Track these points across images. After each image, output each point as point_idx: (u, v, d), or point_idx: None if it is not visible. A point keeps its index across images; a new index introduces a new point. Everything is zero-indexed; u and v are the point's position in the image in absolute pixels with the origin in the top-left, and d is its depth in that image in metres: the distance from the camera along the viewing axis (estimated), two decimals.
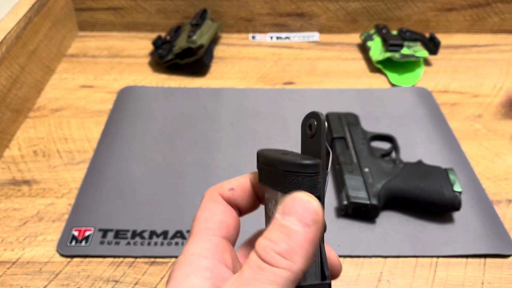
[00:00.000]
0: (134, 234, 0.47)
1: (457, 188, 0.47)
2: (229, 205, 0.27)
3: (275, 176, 0.24)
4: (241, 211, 0.28)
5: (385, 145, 0.57)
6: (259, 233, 0.29)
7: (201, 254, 0.24)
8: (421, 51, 0.73)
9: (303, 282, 0.23)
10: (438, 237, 0.47)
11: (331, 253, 0.27)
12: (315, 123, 0.24)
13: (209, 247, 0.24)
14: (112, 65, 0.75)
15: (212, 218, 0.26)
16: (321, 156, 0.24)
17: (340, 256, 0.45)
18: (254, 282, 0.21)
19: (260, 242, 0.22)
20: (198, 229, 0.25)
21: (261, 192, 0.28)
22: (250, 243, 0.29)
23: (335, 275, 0.27)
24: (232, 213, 0.27)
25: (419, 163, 0.52)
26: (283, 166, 0.24)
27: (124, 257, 0.45)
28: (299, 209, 0.22)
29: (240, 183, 0.28)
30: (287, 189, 0.23)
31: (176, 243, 0.46)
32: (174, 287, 0.22)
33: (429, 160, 0.54)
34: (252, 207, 0.29)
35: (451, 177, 0.49)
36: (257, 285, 0.21)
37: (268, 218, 0.26)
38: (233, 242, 0.27)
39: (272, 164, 0.24)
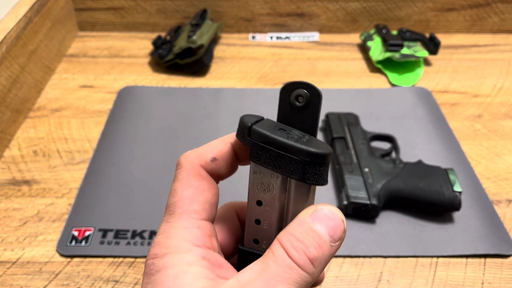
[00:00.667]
0: (134, 234, 0.47)
1: (457, 188, 0.47)
2: (212, 179, 0.26)
3: (285, 162, 0.23)
4: (220, 179, 0.27)
5: (385, 145, 0.57)
6: (231, 206, 0.28)
7: (193, 242, 0.23)
8: (421, 51, 0.73)
9: None
10: (438, 237, 0.47)
11: None
12: (308, 95, 0.23)
13: (199, 234, 0.23)
14: (112, 65, 0.75)
15: (198, 198, 0.24)
16: (315, 135, 0.24)
17: (340, 256, 0.45)
18: (282, 280, 0.21)
19: (288, 239, 0.22)
20: (184, 211, 0.24)
21: (242, 156, 0.26)
22: (225, 215, 0.28)
23: (318, 281, 0.27)
24: (215, 189, 0.26)
25: (419, 163, 0.52)
26: (303, 155, 0.22)
27: (124, 257, 0.45)
28: (332, 223, 0.23)
29: (222, 151, 0.26)
30: (305, 179, 0.23)
31: None
32: (178, 276, 0.21)
33: (429, 160, 0.54)
34: (230, 174, 0.27)
35: (451, 177, 0.49)
36: (284, 284, 0.21)
37: (255, 196, 0.25)
38: (213, 219, 0.26)
39: (282, 148, 0.23)
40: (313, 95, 0.23)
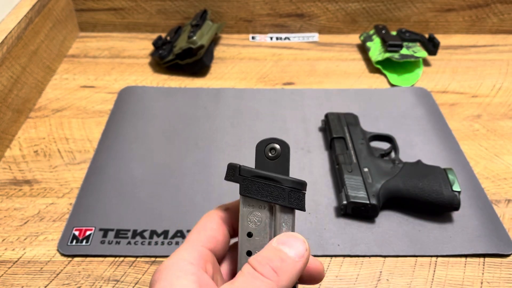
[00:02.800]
0: (135, 233, 0.47)
1: (456, 188, 0.48)
2: (223, 224, 0.30)
3: (272, 191, 0.28)
4: (234, 230, 0.31)
5: (385, 145, 0.57)
6: (232, 246, 0.32)
7: (188, 260, 0.27)
8: (420, 52, 0.73)
9: None
10: (437, 237, 0.47)
11: (315, 261, 0.30)
12: (279, 148, 0.29)
13: (195, 255, 0.27)
14: (113, 65, 0.75)
15: (204, 232, 0.29)
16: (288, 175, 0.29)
17: (339, 256, 0.45)
18: (244, 286, 0.25)
19: (255, 258, 0.26)
20: (190, 239, 0.29)
21: None
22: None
23: (319, 279, 0.30)
24: (224, 230, 0.30)
25: (418, 163, 0.52)
26: (289, 183, 0.28)
27: (125, 256, 0.45)
28: (296, 243, 0.27)
29: (235, 205, 0.31)
30: (290, 204, 0.28)
31: (177, 243, 0.46)
32: (168, 285, 0.25)
33: (428, 160, 0.55)
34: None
35: (450, 177, 0.49)
36: None
37: (246, 229, 0.29)
38: (220, 255, 0.30)
39: (269, 180, 0.28)
40: (283, 147, 0.29)
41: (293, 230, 0.29)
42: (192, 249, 0.28)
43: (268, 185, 0.28)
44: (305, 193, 0.29)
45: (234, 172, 0.29)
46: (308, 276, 0.30)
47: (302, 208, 0.29)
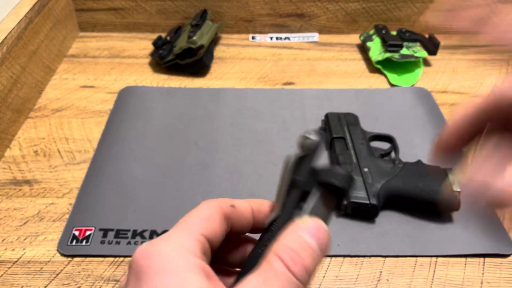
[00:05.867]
0: (135, 233, 0.47)
1: (456, 188, 0.48)
2: (224, 219, 0.27)
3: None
4: (232, 230, 0.28)
5: (385, 145, 0.57)
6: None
7: (192, 251, 0.23)
8: (420, 52, 0.73)
9: None
10: (437, 237, 0.47)
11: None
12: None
13: (196, 245, 0.24)
14: (113, 65, 0.75)
15: (206, 220, 0.26)
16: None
17: (339, 256, 0.45)
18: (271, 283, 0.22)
19: (287, 253, 0.23)
20: (188, 223, 0.25)
21: (259, 221, 0.29)
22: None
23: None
24: (223, 226, 0.27)
25: (419, 163, 0.52)
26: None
27: (125, 256, 0.45)
28: (321, 235, 0.25)
29: (242, 204, 0.28)
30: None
31: None
32: (179, 280, 0.22)
33: (428, 160, 0.55)
34: (241, 232, 0.29)
35: (450, 177, 0.49)
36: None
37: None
38: (213, 244, 0.26)
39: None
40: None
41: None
42: (190, 237, 0.24)
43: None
44: None
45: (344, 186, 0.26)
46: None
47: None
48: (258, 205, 0.29)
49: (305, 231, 0.24)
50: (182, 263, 0.22)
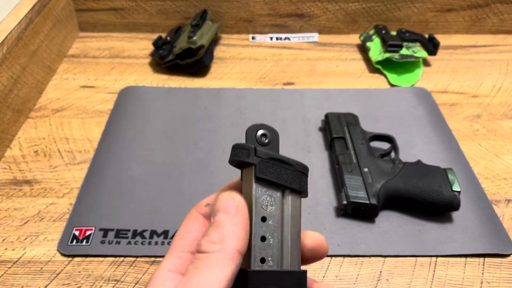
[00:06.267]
0: (135, 233, 0.47)
1: (456, 188, 0.48)
2: (206, 221, 0.29)
3: (287, 174, 0.28)
4: None
5: (385, 145, 0.57)
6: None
7: (169, 269, 0.26)
8: (420, 52, 0.73)
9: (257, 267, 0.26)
10: (437, 237, 0.47)
11: (314, 235, 0.29)
12: (270, 134, 0.29)
13: (177, 262, 0.27)
14: (113, 65, 0.75)
15: (186, 236, 0.28)
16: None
17: (339, 256, 0.45)
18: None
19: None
20: (173, 246, 0.28)
21: None
22: None
23: (323, 254, 0.30)
24: (207, 224, 0.29)
25: (418, 163, 0.52)
26: (299, 167, 0.28)
27: (125, 256, 0.45)
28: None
29: (214, 196, 0.30)
30: (301, 188, 0.28)
31: None
32: None
33: (428, 160, 0.55)
34: None
35: (450, 177, 0.49)
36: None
37: (259, 213, 0.27)
38: None
39: (285, 163, 0.28)
40: (274, 134, 0.29)
41: (300, 213, 0.28)
42: (174, 256, 0.27)
43: (283, 168, 0.28)
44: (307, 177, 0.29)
45: (248, 153, 0.27)
46: (310, 252, 0.29)
47: (307, 193, 0.29)
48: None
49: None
50: (157, 282, 0.26)
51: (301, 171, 0.28)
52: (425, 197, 0.48)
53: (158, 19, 0.83)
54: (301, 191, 0.28)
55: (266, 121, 0.63)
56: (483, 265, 0.45)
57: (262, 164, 0.27)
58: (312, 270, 0.44)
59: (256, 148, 0.27)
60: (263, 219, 0.27)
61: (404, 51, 0.73)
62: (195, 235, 0.28)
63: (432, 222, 0.48)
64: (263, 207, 0.27)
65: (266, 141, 0.29)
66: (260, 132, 0.29)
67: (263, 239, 0.27)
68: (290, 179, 0.28)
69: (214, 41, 0.81)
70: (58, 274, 0.44)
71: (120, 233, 0.47)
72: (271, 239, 0.27)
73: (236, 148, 0.28)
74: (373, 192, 0.48)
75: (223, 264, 0.24)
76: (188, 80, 0.72)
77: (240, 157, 0.27)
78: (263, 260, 0.26)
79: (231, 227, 0.25)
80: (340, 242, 0.46)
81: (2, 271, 0.44)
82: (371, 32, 0.79)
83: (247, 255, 0.27)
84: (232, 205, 0.26)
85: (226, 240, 0.25)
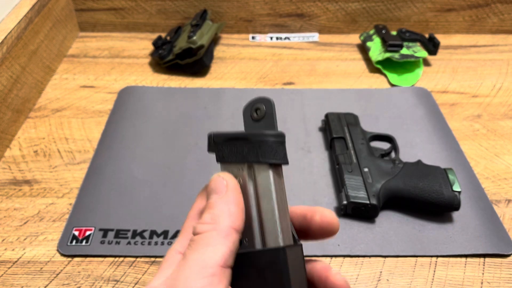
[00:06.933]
0: (135, 233, 0.47)
1: (456, 188, 0.48)
2: None
3: (244, 150, 0.26)
4: None
5: (385, 145, 0.57)
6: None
7: (179, 250, 0.26)
8: (420, 52, 0.73)
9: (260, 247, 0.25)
10: (438, 237, 0.47)
11: (323, 212, 0.28)
12: (264, 106, 0.27)
13: (185, 244, 0.26)
14: (113, 65, 0.75)
15: (196, 217, 0.28)
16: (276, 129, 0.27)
17: (339, 256, 0.45)
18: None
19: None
20: (183, 228, 0.28)
21: None
22: None
23: (332, 231, 0.28)
24: None
25: (419, 163, 0.52)
26: (255, 137, 0.26)
27: (125, 256, 0.45)
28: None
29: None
30: (265, 158, 0.26)
31: None
32: (154, 280, 0.24)
33: (428, 160, 0.55)
34: None
35: (450, 177, 0.49)
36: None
37: None
38: None
39: (239, 139, 0.26)
40: (267, 105, 0.27)
41: (276, 188, 0.26)
42: (184, 238, 0.27)
43: (239, 145, 0.26)
44: (279, 143, 0.26)
45: (209, 142, 0.28)
46: (318, 229, 0.28)
47: (281, 161, 0.26)
48: None
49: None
50: (166, 264, 0.26)
51: (258, 139, 0.26)
52: (425, 197, 0.48)
53: (158, 19, 0.83)
54: (264, 162, 0.25)
55: None
56: (483, 265, 0.45)
57: (219, 149, 0.27)
58: None
59: (212, 135, 0.28)
60: None
61: (404, 51, 0.73)
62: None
63: (432, 222, 0.48)
64: None
65: (261, 115, 0.27)
66: (254, 107, 0.28)
67: None
68: (248, 154, 0.26)
69: (214, 41, 0.81)
70: (57, 274, 0.44)
71: (120, 233, 0.47)
72: (244, 220, 0.26)
73: (207, 139, 0.28)
74: (373, 192, 0.48)
75: (217, 242, 0.24)
76: (188, 80, 0.72)
77: (208, 148, 0.28)
78: (241, 243, 0.26)
79: (223, 205, 0.25)
80: (340, 242, 0.46)
81: (2, 271, 0.44)
82: (371, 32, 0.79)
83: None
84: (221, 184, 0.26)
85: (218, 219, 0.25)
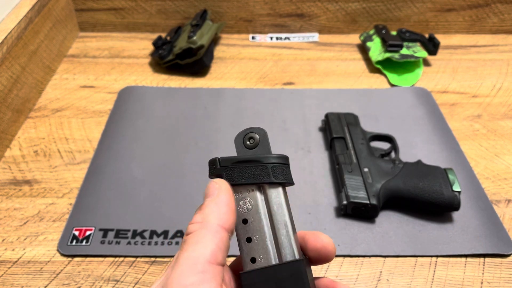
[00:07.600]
0: (135, 233, 0.47)
1: (456, 188, 0.48)
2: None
3: (255, 172, 0.28)
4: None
5: (385, 145, 0.57)
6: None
7: (220, 262, 0.25)
8: (420, 52, 0.73)
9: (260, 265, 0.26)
10: (438, 237, 0.47)
11: (319, 236, 0.29)
12: (257, 136, 0.29)
13: (223, 252, 0.26)
14: (113, 65, 0.75)
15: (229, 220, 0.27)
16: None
17: (339, 256, 0.45)
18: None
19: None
20: (213, 226, 0.26)
21: None
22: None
23: (329, 257, 0.29)
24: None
25: (419, 163, 0.52)
26: (269, 160, 0.28)
27: (125, 256, 0.45)
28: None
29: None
30: (276, 179, 0.28)
31: (177, 243, 0.46)
32: (154, 284, 0.24)
33: (428, 160, 0.55)
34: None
35: (450, 177, 0.49)
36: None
37: (240, 216, 0.28)
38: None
39: (250, 162, 0.28)
40: (260, 134, 0.29)
41: (287, 206, 0.28)
42: (216, 241, 0.27)
43: (249, 167, 0.28)
44: (288, 166, 0.29)
45: (215, 166, 0.29)
46: (314, 253, 0.28)
47: (290, 181, 0.28)
48: None
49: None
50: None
51: (272, 162, 0.28)
52: (425, 197, 0.48)
53: (158, 19, 0.83)
54: (277, 182, 0.28)
55: (266, 121, 0.63)
56: (483, 265, 0.45)
57: (227, 171, 0.28)
58: (312, 270, 0.44)
59: (219, 159, 0.29)
60: (244, 221, 0.28)
61: (404, 51, 0.73)
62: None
63: (432, 222, 0.48)
64: (241, 210, 0.28)
65: (254, 143, 0.29)
66: (246, 137, 0.29)
67: (248, 240, 0.27)
68: (259, 175, 0.28)
69: (214, 41, 0.81)
70: (58, 274, 0.44)
71: (120, 233, 0.47)
72: (257, 238, 0.27)
73: (209, 164, 0.29)
74: (373, 192, 0.48)
75: (205, 239, 0.24)
76: (188, 80, 0.72)
77: (211, 172, 0.29)
78: (253, 260, 0.27)
79: (212, 205, 0.26)
80: (340, 242, 0.46)
81: (2, 271, 0.44)
82: (371, 32, 0.79)
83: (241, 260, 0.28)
84: (213, 188, 0.27)
85: (207, 218, 0.25)
